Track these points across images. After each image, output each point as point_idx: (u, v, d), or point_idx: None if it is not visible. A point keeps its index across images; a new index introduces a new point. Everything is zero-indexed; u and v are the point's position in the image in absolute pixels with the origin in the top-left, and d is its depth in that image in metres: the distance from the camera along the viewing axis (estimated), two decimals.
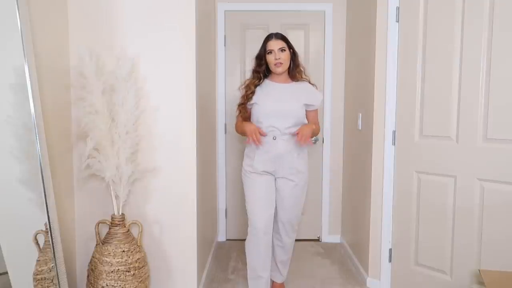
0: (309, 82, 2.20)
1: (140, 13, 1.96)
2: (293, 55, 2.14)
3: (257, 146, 2.06)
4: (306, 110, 2.15)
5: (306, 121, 2.14)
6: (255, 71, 2.15)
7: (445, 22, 2.01)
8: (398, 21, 2.23)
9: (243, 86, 2.18)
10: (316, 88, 2.23)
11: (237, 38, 3.16)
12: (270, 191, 2.13)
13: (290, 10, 3.12)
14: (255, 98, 2.11)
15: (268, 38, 2.12)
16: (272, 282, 2.34)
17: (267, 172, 2.12)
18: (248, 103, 2.13)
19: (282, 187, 2.14)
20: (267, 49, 2.09)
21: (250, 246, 2.17)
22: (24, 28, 1.50)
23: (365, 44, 2.56)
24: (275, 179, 2.15)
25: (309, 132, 2.02)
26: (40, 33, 1.70)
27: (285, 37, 2.14)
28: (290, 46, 2.12)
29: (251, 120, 2.15)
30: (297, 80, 2.17)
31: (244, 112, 2.16)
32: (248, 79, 2.19)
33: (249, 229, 2.15)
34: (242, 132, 2.17)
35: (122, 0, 1.95)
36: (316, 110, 2.21)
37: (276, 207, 2.17)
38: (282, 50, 2.07)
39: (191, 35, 1.98)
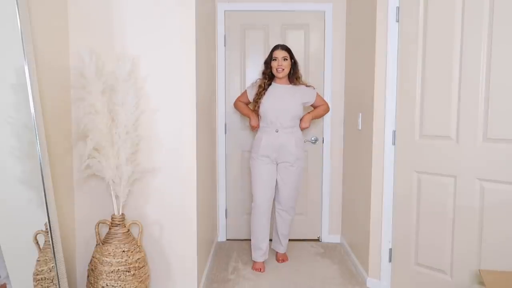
0: (306, 85, 2.70)
1: (140, 13, 1.96)
2: (294, 64, 2.64)
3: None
4: (311, 105, 2.72)
5: (302, 115, 2.68)
6: (263, 73, 2.68)
7: (445, 22, 2.01)
8: (398, 21, 2.23)
9: (256, 85, 2.67)
10: (313, 88, 2.72)
11: (237, 38, 3.16)
12: (272, 177, 2.64)
13: (290, 10, 3.12)
14: (263, 98, 2.60)
15: (275, 47, 2.62)
16: (276, 253, 2.85)
17: (270, 159, 2.62)
18: (259, 100, 2.62)
19: (283, 173, 2.64)
20: (273, 56, 2.60)
21: (253, 219, 2.66)
22: (24, 29, 1.50)
23: (365, 44, 2.56)
24: (277, 165, 2.65)
25: (308, 118, 2.68)
26: (40, 33, 1.70)
27: (289, 48, 2.63)
28: (292, 57, 2.63)
29: (259, 114, 2.65)
30: (295, 84, 2.67)
31: (256, 106, 2.64)
32: (259, 79, 2.71)
33: (252, 205, 2.67)
34: (240, 111, 2.85)
35: (122, 0, 1.95)
36: (317, 98, 2.72)
37: (278, 191, 2.68)
38: (285, 59, 2.58)
39: (191, 35, 1.98)
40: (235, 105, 2.85)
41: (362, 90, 2.61)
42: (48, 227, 1.58)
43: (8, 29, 1.49)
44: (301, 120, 2.67)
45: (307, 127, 2.71)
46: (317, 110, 2.74)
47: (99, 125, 1.74)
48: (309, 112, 2.72)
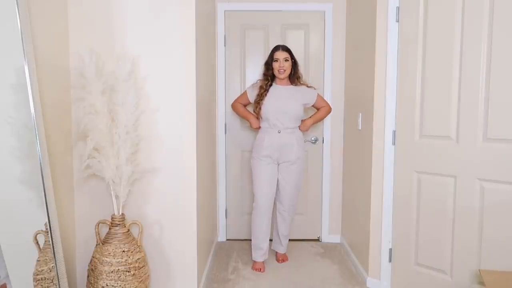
0: (306, 86, 2.70)
1: (140, 13, 1.96)
2: (294, 64, 2.65)
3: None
4: (312, 105, 2.73)
5: (303, 116, 2.69)
6: (264, 75, 2.66)
7: (445, 22, 2.01)
8: (398, 21, 2.23)
9: (257, 86, 2.66)
10: (314, 88, 2.72)
11: (237, 38, 3.16)
12: (273, 176, 2.65)
13: (290, 10, 3.12)
14: (265, 99, 2.59)
15: (276, 48, 2.62)
16: (276, 253, 2.86)
17: (272, 160, 2.62)
18: (261, 102, 2.60)
19: (285, 172, 2.65)
20: (274, 57, 2.60)
21: (255, 219, 2.67)
22: (24, 29, 1.50)
23: (365, 44, 2.56)
24: (278, 165, 2.66)
25: (309, 124, 2.72)
26: (40, 33, 1.70)
27: (289, 49, 2.63)
28: (292, 57, 2.63)
29: (261, 116, 2.63)
30: (296, 84, 2.67)
31: (257, 107, 2.62)
32: (260, 80, 2.71)
33: (254, 204, 2.67)
34: (238, 114, 2.82)
35: (122, 1, 1.95)
36: (318, 99, 2.72)
37: (280, 191, 2.69)
38: (286, 60, 2.59)
39: (191, 36, 1.98)
40: (234, 107, 2.83)
41: (362, 90, 2.61)
42: (48, 227, 1.58)
43: (8, 29, 1.49)
44: (302, 122, 2.70)
45: (306, 131, 2.77)
46: (318, 113, 2.76)
47: (99, 125, 1.74)
48: (310, 117, 2.75)
